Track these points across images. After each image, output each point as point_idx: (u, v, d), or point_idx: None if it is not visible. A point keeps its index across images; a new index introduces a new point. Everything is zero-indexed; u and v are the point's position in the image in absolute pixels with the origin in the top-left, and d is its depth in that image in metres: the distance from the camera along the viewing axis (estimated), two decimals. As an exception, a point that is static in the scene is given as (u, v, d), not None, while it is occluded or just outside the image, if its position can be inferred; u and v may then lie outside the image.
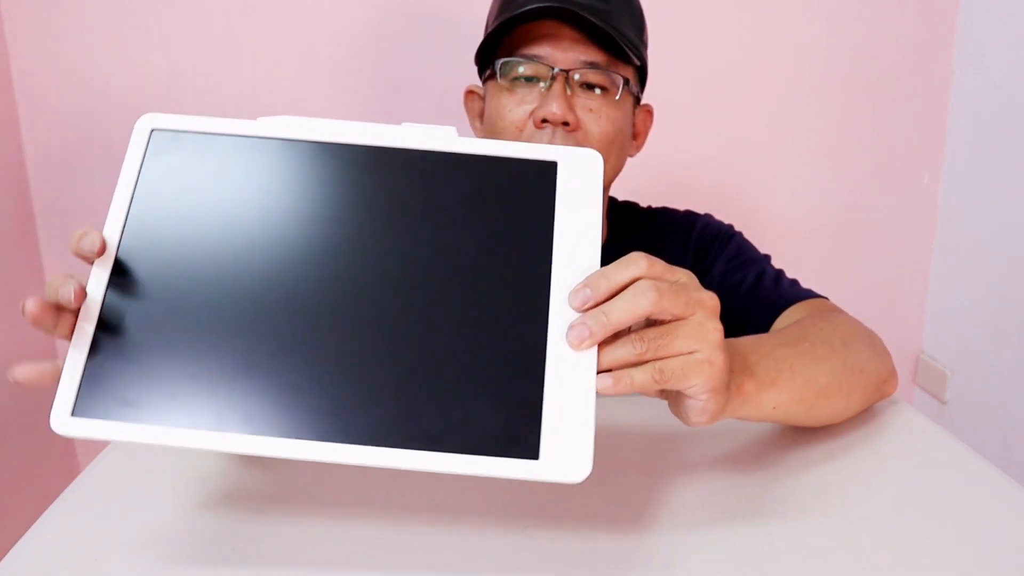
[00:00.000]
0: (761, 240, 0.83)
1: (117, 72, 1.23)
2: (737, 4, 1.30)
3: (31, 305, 0.37)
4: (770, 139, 1.37)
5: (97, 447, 0.55)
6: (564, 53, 0.67)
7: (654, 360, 0.39)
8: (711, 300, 0.41)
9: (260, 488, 0.51)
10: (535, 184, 0.42)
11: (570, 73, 0.67)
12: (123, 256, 0.40)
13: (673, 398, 0.44)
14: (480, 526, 0.46)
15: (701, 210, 0.84)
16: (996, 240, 1.29)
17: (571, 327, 0.38)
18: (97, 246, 0.38)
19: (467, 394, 0.38)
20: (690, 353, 0.40)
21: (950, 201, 1.41)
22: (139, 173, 0.41)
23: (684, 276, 0.41)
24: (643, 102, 0.77)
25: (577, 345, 0.38)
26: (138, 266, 0.40)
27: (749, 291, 0.73)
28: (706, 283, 0.77)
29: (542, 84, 0.68)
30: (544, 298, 0.39)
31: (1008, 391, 1.27)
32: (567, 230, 0.41)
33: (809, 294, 0.72)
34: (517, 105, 0.68)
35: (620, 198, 0.85)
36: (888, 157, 1.40)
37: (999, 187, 1.28)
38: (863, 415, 0.62)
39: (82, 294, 0.38)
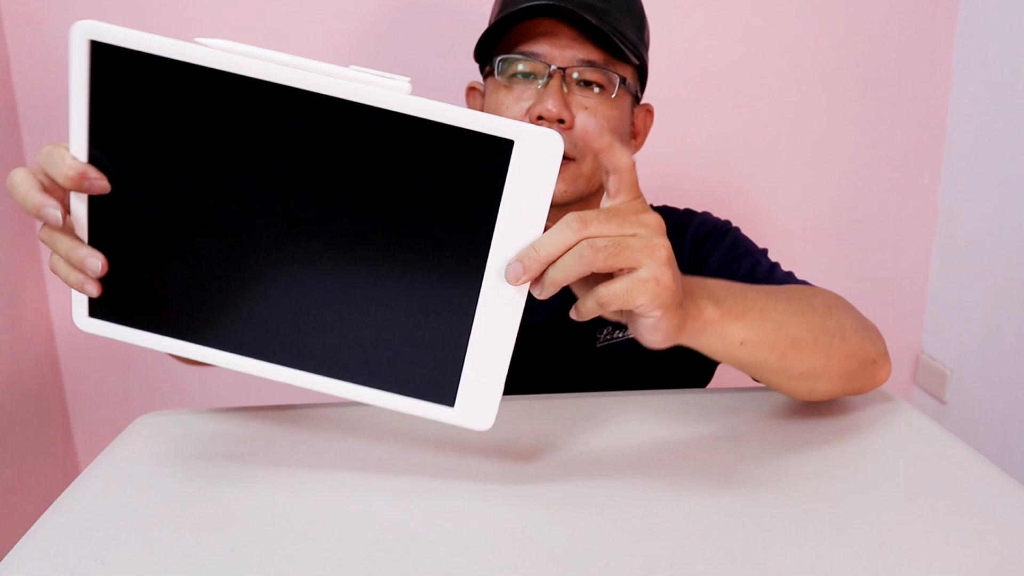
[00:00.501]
0: (761, 240, 0.83)
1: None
2: (736, 4, 1.30)
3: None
4: (769, 139, 1.37)
5: (97, 448, 0.55)
6: (562, 51, 0.67)
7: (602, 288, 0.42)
8: (654, 220, 0.42)
9: (261, 489, 0.51)
10: (488, 159, 0.40)
11: (567, 71, 0.67)
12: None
13: (628, 316, 0.46)
14: (480, 526, 0.46)
15: (700, 209, 0.84)
16: (996, 240, 1.29)
17: (509, 268, 0.41)
18: (73, 175, 0.40)
19: (403, 343, 0.44)
20: (633, 270, 0.41)
21: (950, 201, 1.41)
22: (89, 91, 0.40)
23: (625, 205, 0.42)
24: (643, 101, 0.77)
25: (518, 277, 0.41)
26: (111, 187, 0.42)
27: (743, 280, 0.73)
28: (703, 275, 0.77)
29: (539, 81, 0.68)
30: (480, 267, 0.42)
31: (1008, 391, 1.27)
32: (514, 206, 0.41)
33: (803, 283, 0.72)
34: (514, 102, 0.69)
35: None
36: (888, 157, 1.40)
37: (999, 187, 1.28)
38: (862, 415, 0.62)
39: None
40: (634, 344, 0.75)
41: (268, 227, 0.42)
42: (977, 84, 1.32)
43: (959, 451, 0.56)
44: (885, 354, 0.61)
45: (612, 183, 0.43)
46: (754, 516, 0.47)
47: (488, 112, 0.72)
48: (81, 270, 0.43)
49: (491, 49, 0.71)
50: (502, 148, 0.40)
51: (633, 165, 0.43)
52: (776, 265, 0.75)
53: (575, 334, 0.75)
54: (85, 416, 1.38)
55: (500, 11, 0.70)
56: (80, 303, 0.45)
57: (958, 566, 0.43)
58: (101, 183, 0.41)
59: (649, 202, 0.85)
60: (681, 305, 0.44)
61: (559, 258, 0.41)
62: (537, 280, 0.42)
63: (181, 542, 0.45)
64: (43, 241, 0.43)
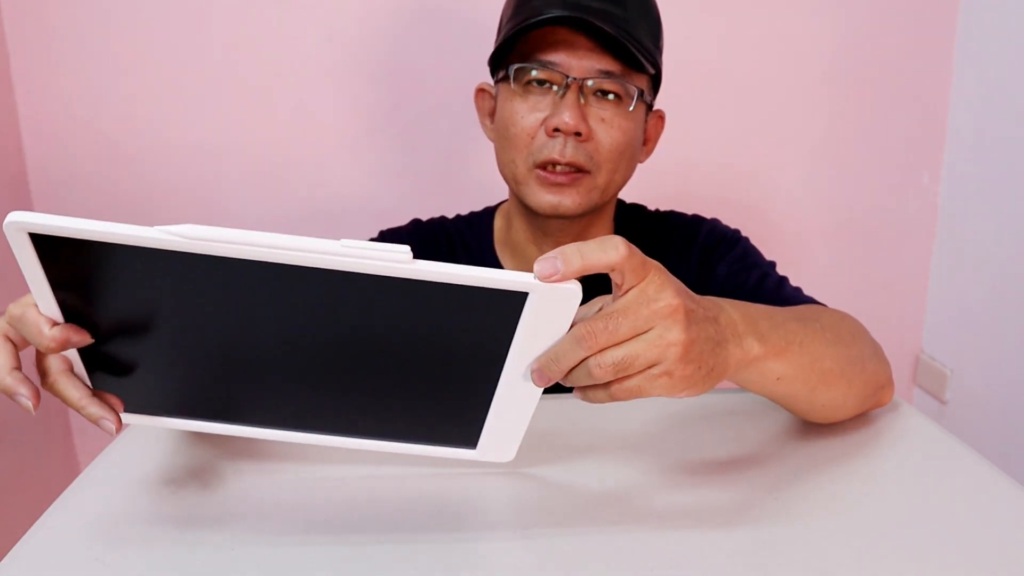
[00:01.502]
0: (761, 240, 0.83)
1: (118, 75, 1.23)
2: (736, 6, 1.30)
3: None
4: (770, 139, 1.37)
5: (97, 448, 0.55)
6: (579, 61, 0.66)
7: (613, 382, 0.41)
8: (667, 306, 0.40)
9: (261, 489, 0.51)
10: (501, 308, 0.39)
11: (584, 82, 0.66)
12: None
13: None
14: (480, 526, 0.46)
15: (703, 211, 0.84)
16: (996, 240, 1.29)
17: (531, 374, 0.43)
18: (57, 341, 0.39)
19: (428, 409, 0.46)
20: (648, 368, 0.40)
21: (950, 201, 1.41)
22: (44, 270, 0.37)
23: (634, 298, 0.40)
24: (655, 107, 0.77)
25: (538, 381, 0.42)
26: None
27: (750, 294, 0.73)
28: (710, 284, 0.76)
29: (556, 90, 0.67)
30: (496, 374, 0.43)
31: (1008, 391, 1.27)
32: (530, 337, 0.41)
33: (811, 301, 0.71)
34: (530, 112, 0.68)
35: (627, 201, 0.85)
36: (888, 157, 1.40)
37: (999, 187, 1.28)
38: (862, 415, 0.61)
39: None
40: None
41: (272, 385, 0.43)
42: (977, 84, 1.32)
43: (959, 451, 0.56)
44: (891, 379, 0.62)
45: (614, 278, 0.41)
46: (754, 516, 0.47)
47: (502, 120, 0.71)
48: (95, 421, 0.42)
49: (506, 55, 0.71)
50: (517, 299, 0.38)
51: (626, 251, 0.39)
52: (784, 279, 0.75)
53: None
54: (85, 416, 1.37)
55: (513, 15, 0.70)
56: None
57: (958, 566, 0.43)
58: (83, 338, 0.39)
59: (655, 207, 0.85)
60: (711, 371, 0.43)
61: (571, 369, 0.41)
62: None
63: (181, 542, 0.45)
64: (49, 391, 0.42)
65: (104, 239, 0.35)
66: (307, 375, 0.43)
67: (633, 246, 0.40)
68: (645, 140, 0.77)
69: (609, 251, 0.39)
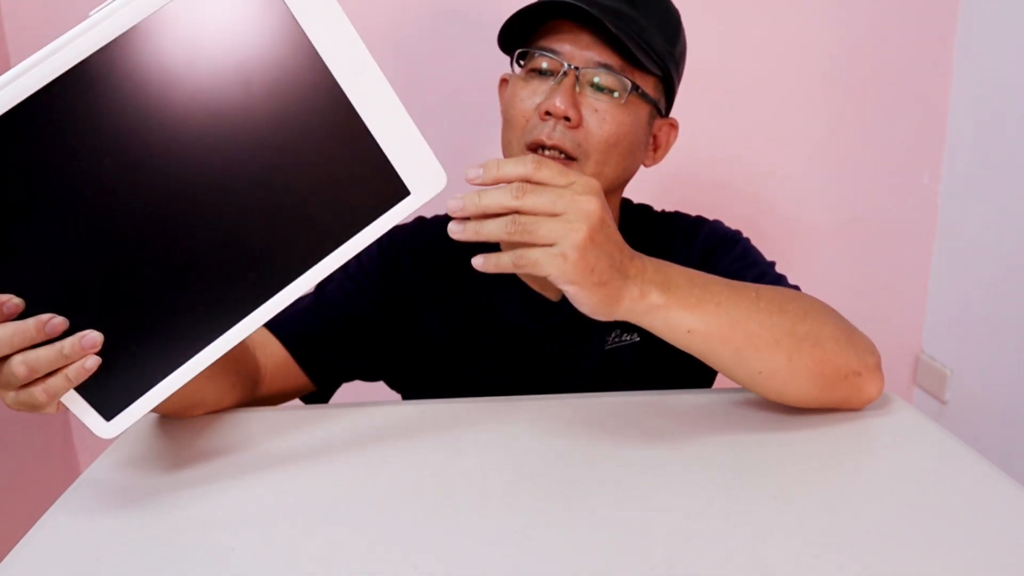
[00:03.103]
0: (761, 240, 0.83)
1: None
2: (736, 6, 1.30)
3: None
4: (770, 139, 1.37)
5: (98, 448, 0.55)
6: (581, 51, 0.67)
7: (521, 244, 0.48)
8: (587, 203, 0.48)
9: (260, 489, 0.51)
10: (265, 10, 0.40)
11: (581, 71, 0.67)
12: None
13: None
14: (480, 526, 0.46)
15: (702, 212, 0.84)
16: (996, 240, 1.29)
17: (452, 199, 0.48)
18: None
19: (335, 193, 0.46)
20: (549, 245, 0.48)
21: (950, 201, 1.41)
22: None
23: (578, 183, 0.49)
24: (672, 115, 0.77)
25: (455, 210, 0.48)
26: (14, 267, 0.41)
27: None
28: None
29: (554, 79, 0.68)
30: (338, 90, 0.44)
31: (1008, 391, 1.27)
32: (315, 24, 0.42)
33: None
34: (529, 96, 0.69)
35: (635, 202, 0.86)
36: (888, 157, 1.40)
37: (999, 187, 1.28)
38: (862, 415, 0.62)
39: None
40: (641, 347, 0.75)
41: (163, 203, 0.42)
42: (977, 84, 1.32)
43: (959, 451, 0.56)
44: (874, 369, 0.61)
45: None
46: (754, 516, 0.47)
47: (505, 103, 0.72)
48: (79, 357, 0.42)
49: (518, 43, 0.71)
50: None
51: (533, 167, 0.48)
52: (782, 278, 0.75)
53: (586, 337, 0.75)
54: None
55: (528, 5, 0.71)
56: (91, 419, 0.45)
57: (958, 566, 0.43)
58: (13, 299, 0.41)
59: (660, 208, 0.86)
60: (604, 284, 0.50)
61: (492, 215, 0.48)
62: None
63: (181, 542, 0.45)
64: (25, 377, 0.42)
65: None
66: (213, 209, 0.43)
67: (547, 161, 0.49)
68: (655, 146, 0.77)
69: (519, 167, 0.48)
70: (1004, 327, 1.28)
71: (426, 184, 0.48)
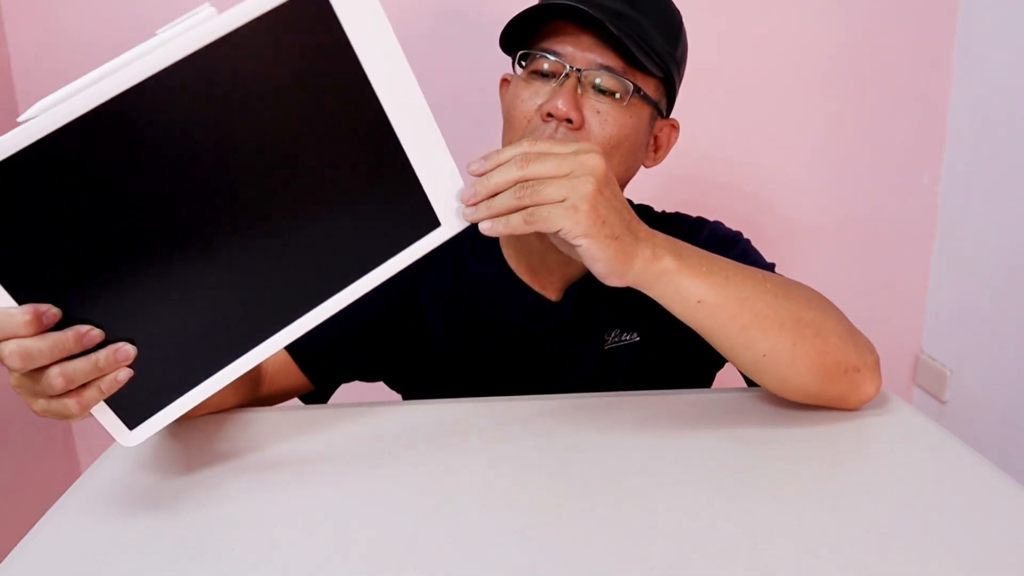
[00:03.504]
0: (761, 240, 0.83)
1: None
2: (736, 6, 1.30)
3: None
4: (770, 139, 1.37)
5: (98, 448, 0.55)
6: (583, 53, 0.67)
7: (530, 206, 0.48)
8: (591, 160, 0.49)
9: (261, 489, 0.51)
10: (319, 21, 0.40)
11: (583, 73, 0.67)
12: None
13: (576, 252, 0.51)
14: (479, 526, 0.46)
15: (702, 212, 0.84)
16: (996, 240, 1.29)
17: (465, 188, 0.49)
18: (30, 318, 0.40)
19: (369, 220, 0.46)
20: (560, 201, 0.48)
21: (950, 201, 1.41)
22: None
23: (579, 146, 0.50)
24: (672, 116, 0.77)
25: (468, 197, 0.48)
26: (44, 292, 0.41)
27: None
28: None
29: (556, 80, 0.68)
30: (386, 123, 0.44)
31: (1008, 391, 1.27)
32: (372, 56, 0.42)
33: None
34: (530, 98, 0.69)
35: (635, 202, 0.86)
36: (888, 157, 1.40)
37: (999, 187, 1.28)
38: (862, 415, 0.62)
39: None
40: (641, 347, 0.75)
41: (203, 221, 0.42)
42: (977, 84, 1.32)
43: (958, 451, 0.56)
44: (873, 367, 0.61)
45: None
46: (754, 516, 0.47)
47: (506, 103, 0.72)
48: (113, 369, 0.43)
49: (520, 44, 0.71)
50: (323, 5, 0.40)
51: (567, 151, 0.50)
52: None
53: (584, 337, 0.75)
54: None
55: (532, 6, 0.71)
56: (115, 427, 0.45)
57: (958, 566, 0.43)
58: (52, 310, 0.41)
59: (660, 209, 0.86)
60: (616, 238, 0.50)
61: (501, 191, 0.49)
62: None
63: (182, 542, 0.45)
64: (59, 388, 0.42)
65: None
66: (252, 232, 0.43)
67: (540, 138, 0.54)
68: (656, 147, 0.77)
69: (518, 147, 0.50)
70: (1004, 327, 1.28)
71: (457, 216, 0.49)
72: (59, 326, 0.41)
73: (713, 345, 0.59)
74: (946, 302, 1.43)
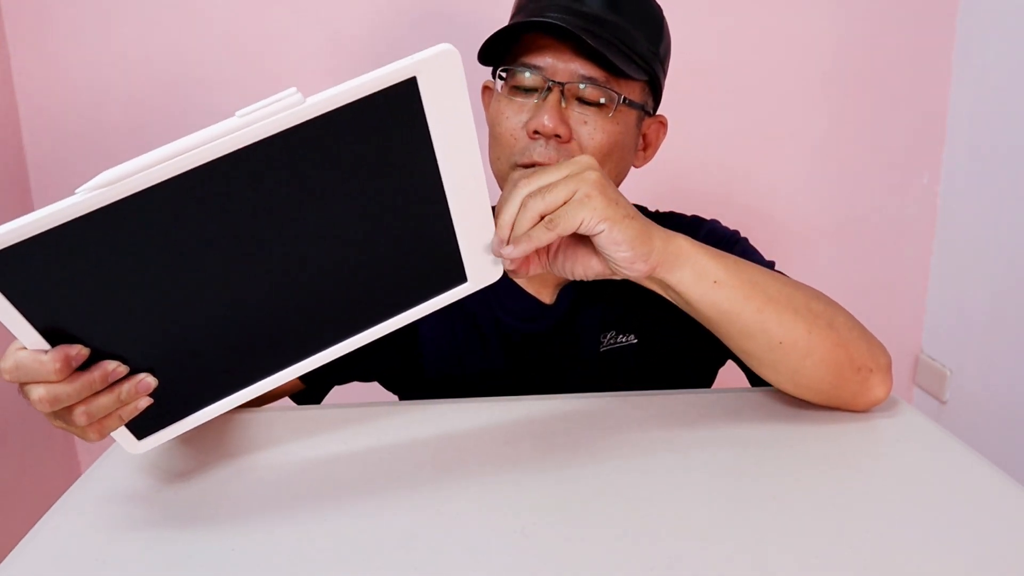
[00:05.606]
0: (760, 239, 0.83)
1: (119, 75, 1.23)
2: (736, 6, 1.30)
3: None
4: (769, 139, 1.37)
5: (99, 448, 0.55)
6: (565, 65, 0.66)
7: (545, 214, 0.50)
8: (584, 159, 0.52)
9: (261, 489, 0.51)
10: (402, 106, 0.40)
11: (566, 86, 0.66)
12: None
13: (600, 253, 0.53)
14: (479, 526, 0.46)
15: (703, 211, 0.84)
16: (996, 240, 1.29)
17: (503, 250, 0.49)
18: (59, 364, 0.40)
19: (401, 268, 0.47)
20: (571, 198, 0.50)
21: (950, 201, 1.41)
22: (6, 297, 0.37)
23: (571, 166, 0.51)
24: (661, 113, 0.77)
25: (511, 254, 0.49)
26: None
27: None
28: None
29: (538, 95, 0.67)
30: (440, 192, 0.45)
31: (1008, 391, 1.27)
32: (444, 137, 0.43)
33: None
34: (515, 114, 0.68)
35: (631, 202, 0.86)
36: (888, 157, 1.40)
37: (999, 187, 1.28)
38: (862, 415, 0.62)
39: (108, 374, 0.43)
40: (639, 349, 0.75)
41: (239, 268, 0.42)
42: (977, 84, 1.32)
43: (958, 451, 0.56)
44: (885, 369, 0.61)
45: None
46: (754, 516, 0.47)
47: (491, 119, 0.71)
48: (133, 400, 0.44)
49: (500, 58, 0.71)
50: (410, 89, 0.40)
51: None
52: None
53: (579, 339, 0.75)
54: (85, 417, 1.38)
55: (513, 17, 0.70)
56: (124, 438, 0.46)
57: (958, 566, 0.43)
58: (82, 351, 0.40)
59: (655, 208, 0.85)
60: (633, 217, 0.51)
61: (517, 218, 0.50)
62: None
63: (182, 542, 0.45)
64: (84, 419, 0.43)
65: (37, 229, 0.36)
66: (289, 284, 0.44)
67: (528, 175, 0.51)
68: (645, 146, 0.76)
69: (515, 197, 0.50)
70: (1004, 327, 1.28)
71: (483, 274, 0.50)
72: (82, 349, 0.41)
73: (725, 337, 0.59)
74: (946, 302, 1.43)
